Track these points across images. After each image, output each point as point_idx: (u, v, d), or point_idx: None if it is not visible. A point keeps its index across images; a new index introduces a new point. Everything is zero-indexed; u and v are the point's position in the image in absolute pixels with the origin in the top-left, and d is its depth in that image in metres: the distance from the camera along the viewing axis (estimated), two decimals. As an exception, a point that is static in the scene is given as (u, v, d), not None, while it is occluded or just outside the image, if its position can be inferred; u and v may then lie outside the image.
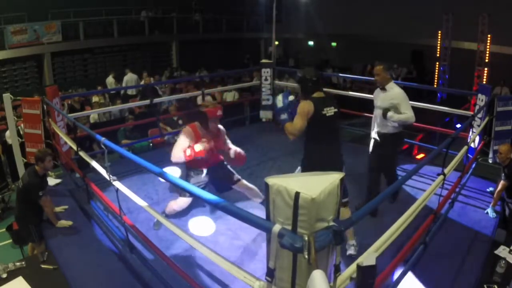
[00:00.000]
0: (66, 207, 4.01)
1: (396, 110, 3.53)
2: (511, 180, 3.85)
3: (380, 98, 3.70)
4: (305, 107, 2.95)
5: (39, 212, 3.69)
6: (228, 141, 3.91)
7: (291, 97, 3.08)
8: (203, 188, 3.56)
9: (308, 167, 3.13)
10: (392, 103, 3.55)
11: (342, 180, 1.76)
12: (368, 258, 1.55)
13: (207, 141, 3.52)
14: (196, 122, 3.62)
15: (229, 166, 3.86)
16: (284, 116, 3.05)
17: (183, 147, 3.52)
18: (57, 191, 4.40)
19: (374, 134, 3.84)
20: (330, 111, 3.02)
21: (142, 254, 3.19)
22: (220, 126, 3.76)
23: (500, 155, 4.01)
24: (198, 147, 3.46)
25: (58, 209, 3.91)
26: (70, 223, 3.71)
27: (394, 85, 3.65)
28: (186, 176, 3.75)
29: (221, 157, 3.84)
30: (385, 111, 3.57)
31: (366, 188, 3.89)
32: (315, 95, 3.05)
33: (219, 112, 3.55)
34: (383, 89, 3.67)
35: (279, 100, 3.08)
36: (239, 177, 3.87)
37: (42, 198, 3.57)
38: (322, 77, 3.17)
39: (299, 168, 3.24)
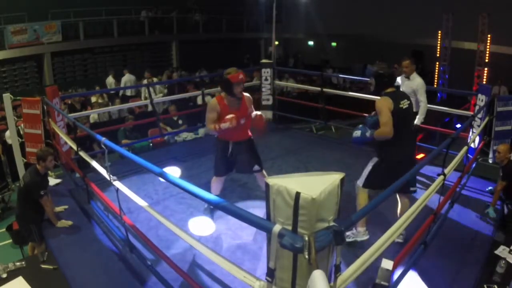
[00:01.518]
0: (66, 206, 4.01)
1: (414, 94, 4.36)
2: (509, 179, 3.84)
3: (404, 85, 4.49)
4: (385, 103, 3.07)
5: (40, 211, 3.69)
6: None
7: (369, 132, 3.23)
8: (229, 161, 3.66)
9: (385, 160, 3.23)
10: (413, 89, 4.37)
11: (342, 180, 1.76)
12: (386, 263, 1.58)
13: (235, 116, 3.46)
14: (222, 92, 3.60)
15: (257, 151, 3.80)
16: (370, 132, 3.18)
17: (212, 119, 3.50)
18: (57, 191, 4.40)
19: None
20: (404, 104, 3.15)
21: (142, 254, 3.19)
22: (246, 94, 3.67)
23: (498, 154, 4.00)
24: (223, 126, 3.41)
25: (58, 208, 3.92)
26: (70, 223, 3.71)
27: (416, 75, 4.46)
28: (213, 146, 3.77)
29: (250, 133, 3.77)
30: (416, 126, 4.33)
31: None
32: (389, 90, 3.19)
33: (241, 76, 3.51)
34: (407, 78, 4.48)
35: (357, 130, 3.27)
36: (261, 168, 3.82)
37: (43, 198, 3.58)
38: (393, 74, 3.43)
39: (375, 159, 3.30)
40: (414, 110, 4.39)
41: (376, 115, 3.18)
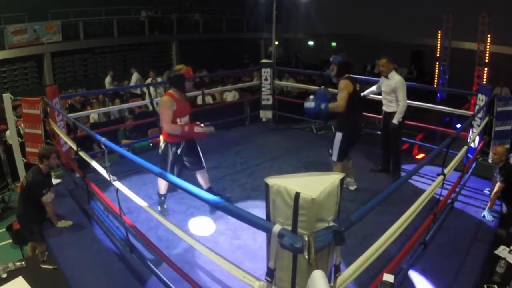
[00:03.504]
0: (51, 194, 3.74)
1: (394, 93, 4.35)
2: (507, 181, 3.80)
3: (384, 84, 4.49)
4: (347, 84, 3.80)
5: (42, 211, 3.68)
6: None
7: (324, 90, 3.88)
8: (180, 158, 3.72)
9: (346, 132, 3.96)
10: (392, 88, 4.35)
11: (342, 180, 1.76)
12: (387, 276, 1.69)
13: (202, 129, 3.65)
14: (172, 89, 3.73)
15: (199, 150, 3.90)
16: (324, 105, 3.72)
17: (170, 117, 3.54)
18: (57, 191, 4.39)
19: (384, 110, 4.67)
20: (358, 87, 3.92)
21: (142, 254, 3.19)
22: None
23: (494, 155, 3.91)
24: (198, 130, 3.59)
25: (62, 224, 3.74)
26: (70, 223, 3.71)
27: (395, 74, 4.39)
28: (164, 150, 3.70)
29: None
30: (393, 125, 4.36)
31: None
32: (347, 75, 3.88)
33: (191, 73, 3.75)
34: (387, 77, 4.41)
35: (311, 102, 3.78)
36: (204, 166, 3.91)
37: (44, 197, 3.56)
38: (351, 63, 4.15)
39: (338, 134, 3.98)
40: (395, 110, 4.38)
41: (325, 89, 3.95)
